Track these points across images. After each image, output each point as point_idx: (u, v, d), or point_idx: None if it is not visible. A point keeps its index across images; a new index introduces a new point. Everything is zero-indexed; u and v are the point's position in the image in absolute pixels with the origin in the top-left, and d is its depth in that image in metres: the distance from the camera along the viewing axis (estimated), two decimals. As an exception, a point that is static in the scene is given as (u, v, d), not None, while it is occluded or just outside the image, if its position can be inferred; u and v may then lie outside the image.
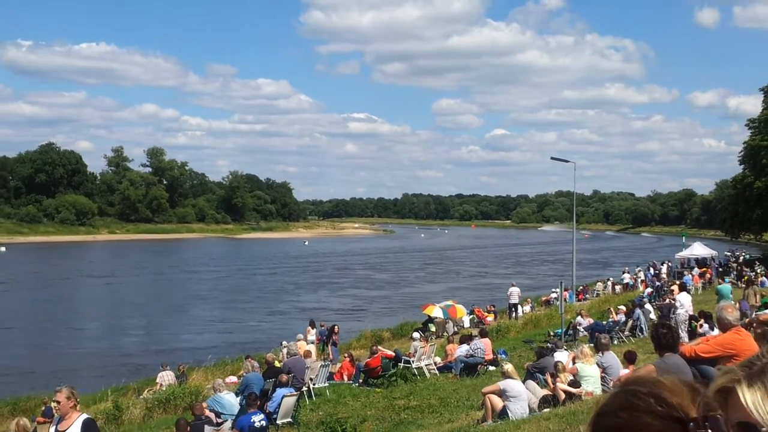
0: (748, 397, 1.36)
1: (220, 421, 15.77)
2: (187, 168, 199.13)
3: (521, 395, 13.13)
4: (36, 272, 77.18)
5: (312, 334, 31.09)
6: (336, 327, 30.84)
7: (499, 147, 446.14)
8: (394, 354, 22.59)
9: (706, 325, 18.18)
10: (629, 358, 14.01)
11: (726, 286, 27.73)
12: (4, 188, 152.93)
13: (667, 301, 28.71)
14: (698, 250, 57.97)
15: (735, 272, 46.49)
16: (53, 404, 21.45)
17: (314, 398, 19.15)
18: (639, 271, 54.27)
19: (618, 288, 48.43)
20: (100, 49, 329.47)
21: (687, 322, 21.16)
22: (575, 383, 13.74)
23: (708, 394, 1.45)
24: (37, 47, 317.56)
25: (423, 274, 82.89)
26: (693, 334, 18.91)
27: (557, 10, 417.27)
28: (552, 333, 27.88)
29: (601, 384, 13.85)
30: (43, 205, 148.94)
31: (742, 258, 61.00)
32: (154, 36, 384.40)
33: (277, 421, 15.80)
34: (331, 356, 27.55)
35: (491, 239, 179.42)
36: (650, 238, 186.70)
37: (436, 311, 36.13)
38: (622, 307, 28.09)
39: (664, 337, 7.77)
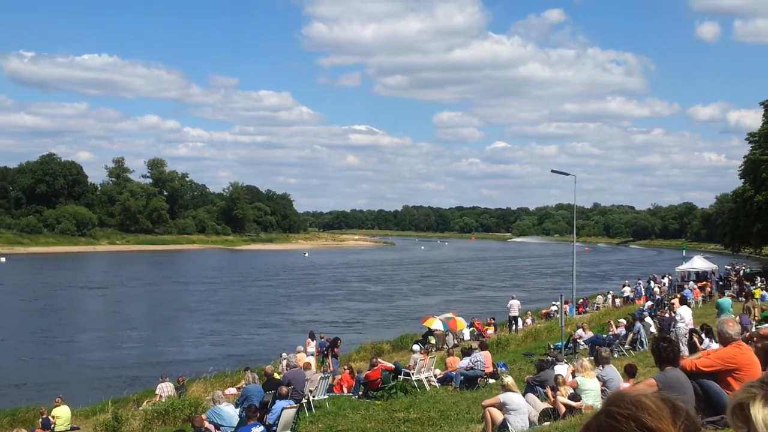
0: (760, 415, 1.36)
1: (219, 432, 15.74)
2: (187, 179, 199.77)
3: (521, 408, 13.12)
4: (36, 283, 77.07)
5: (312, 346, 31.06)
6: (338, 340, 30.84)
7: (500, 160, 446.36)
8: (394, 366, 22.56)
9: (706, 339, 18.15)
10: (630, 372, 13.99)
11: (726, 300, 27.70)
12: (4, 199, 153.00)
13: (667, 314, 28.69)
14: (698, 263, 57.95)
15: (735, 286, 46.43)
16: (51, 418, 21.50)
17: (314, 410, 19.11)
18: (639, 284, 54.23)
19: (618, 301, 48.41)
20: (102, 60, 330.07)
21: (687, 336, 21.13)
22: (575, 396, 13.72)
23: (727, 411, 1.44)
24: (39, 58, 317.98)
25: (419, 286, 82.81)
26: (693, 347, 18.88)
27: (558, 23, 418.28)
28: (552, 346, 27.85)
29: (602, 398, 13.82)
30: (43, 216, 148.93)
31: (742, 272, 60.93)
32: (156, 48, 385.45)
33: (277, 433, 15.78)
34: (331, 368, 27.49)
35: (491, 252, 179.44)
36: (640, 250, 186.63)
37: (436, 323, 36.08)
38: (623, 321, 28.05)
39: (665, 351, 7.78)
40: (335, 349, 29.77)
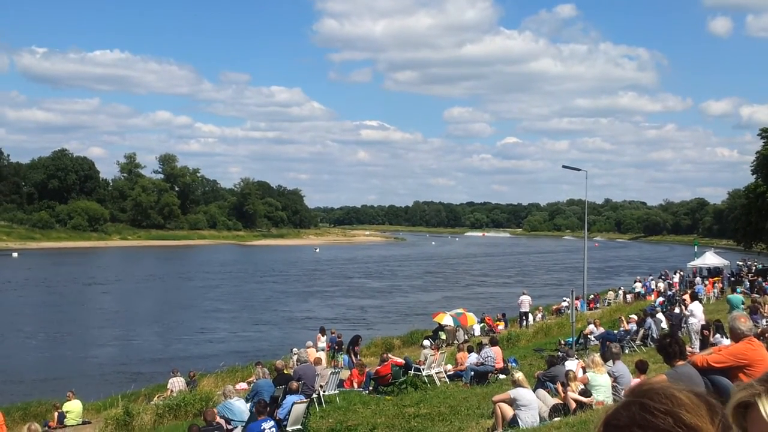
0: None
1: (230, 427, 15.77)
2: (198, 175, 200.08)
3: (532, 404, 13.09)
4: (47, 278, 77.40)
5: (322, 342, 31.08)
6: (359, 338, 30.84)
7: (511, 155, 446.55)
8: (404, 362, 22.56)
9: (718, 335, 18.10)
10: (640, 368, 13.94)
11: (737, 297, 27.58)
12: (17, 194, 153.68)
13: (677, 310, 28.58)
14: (710, 259, 57.70)
15: (747, 282, 46.23)
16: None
17: (324, 405, 19.12)
18: (652, 280, 54.03)
19: (629, 297, 48.27)
20: (114, 56, 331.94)
21: (699, 332, 21.06)
22: (586, 392, 13.69)
23: (726, 411, 1.40)
24: (51, 54, 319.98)
25: (430, 282, 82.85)
26: (705, 343, 18.81)
27: (570, 18, 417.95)
28: (563, 342, 27.80)
29: (613, 393, 13.79)
30: (55, 211, 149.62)
31: (754, 268, 60.66)
32: (168, 43, 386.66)
33: (287, 428, 15.79)
34: (341, 364, 27.36)
35: (501, 247, 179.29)
36: (651, 246, 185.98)
37: (446, 319, 36.04)
38: (634, 316, 27.96)
39: (671, 347, 7.78)
40: (355, 348, 29.67)
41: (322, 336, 31.77)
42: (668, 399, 1.39)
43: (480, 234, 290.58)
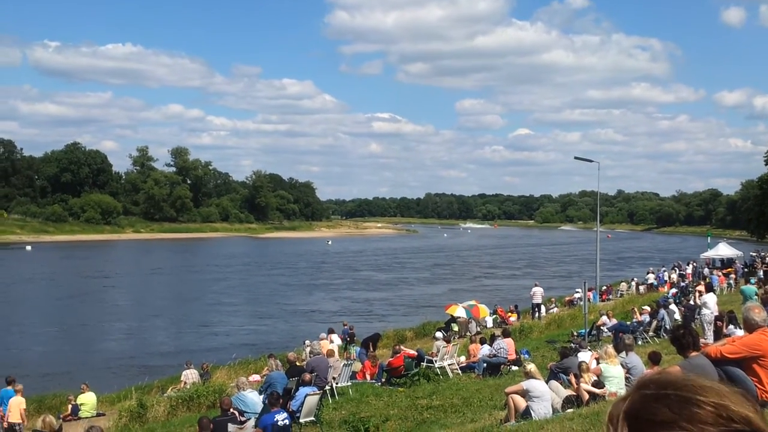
0: None
1: (243, 419, 15.82)
2: (210, 168, 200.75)
3: (544, 395, 13.08)
4: (61, 271, 77.80)
5: (334, 343, 30.98)
6: (379, 337, 30.78)
7: (523, 147, 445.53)
8: (416, 353, 22.58)
9: (731, 326, 18.03)
10: (654, 359, 13.88)
11: (751, 288, 27.46)
12: (30, 188, 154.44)
13: (692, 301, 28.50)
14: (723, 250, 57.48)
15: (761, 273, 45.99)
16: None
17: (337, 397, 19.18)
18: (665, 271, 53.84)
19: (642, 288, 48.12)
20: (126, 49, 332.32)
21: (713, 323, 21.00)
22: (599, 384, 13.67)
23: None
24: (63, 48, 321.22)
25: (444, 272, 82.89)
26: (718, 334, 18.75)
27: (582, 9, 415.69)
28: (575, 333, 27.77)
29: (626, 385, 13.76)
30: (68, 204, 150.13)
31: (768, 258, 60.36)
32: (180, 37, 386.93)
33: (300, 420, 15.83)
34: (353, 356, 27.27)
35: (513, 239, 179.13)
36: (664, 237, 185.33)
37: (459, 311, 36.06)
38: (647, 308, 27.89)
39: (684, 338, 7.77)
40: (374, 345, 29.52)
41: (332, 335, 31.57)
42: (711, 390, 1.30)
43: (492, 225, 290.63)
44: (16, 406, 19.09)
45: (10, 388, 20.40)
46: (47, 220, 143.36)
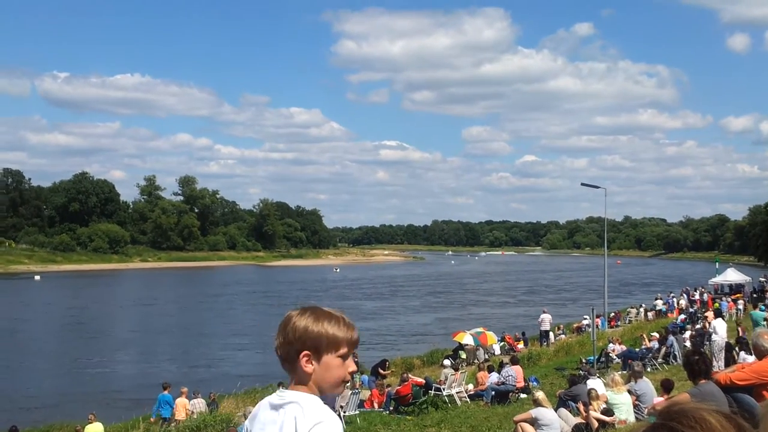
0: None
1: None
2: (218, 196, 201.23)
3: (553, 423, 13.00)
4: (69, 301, 77.84)
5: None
6: (386, 362, 30.62)
7: (530, 173, 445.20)
8: (424, 381, 22.48)
9: (742, 352, 17.93)
10: (666, 387, 13.78)
11: (760, 313, 27.35)
12: (38, 217, 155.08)
13: (699, 326, 28.36)
14: (731, 275, 57.27)
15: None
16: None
17: (345, 426, 19.08)
18: (673, 297, 53.66)
19: (650, 314, 47.94)
20: (134, 80, 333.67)
21: (723, 349, 20.87)
22: (608, 411, 13.58)
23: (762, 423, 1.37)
24: (72, 79, 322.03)
25: (452, 299, 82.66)
26: (729, 361, 18.64)
27: (588, 37, 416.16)
28: (584, 360, 27.64)
29: (635, 412, 13.68)
30: (76, 234, 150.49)
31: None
32: (188, 67, 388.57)
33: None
34: (359, 383, 27.13)
35: (519, 265, 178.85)
36: (672, 263, 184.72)
37: (466, 338, 35.91)
38: (655, 334, 27.78)
39: (697, 364, 7.71)
40: (382, 370, 29.36)
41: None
42: (698, 422, 1.36)
43: (499, 252, 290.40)
44: (182, 406, 23.06)
45: (166, 392, 23.71)
46: (55, 249, 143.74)
